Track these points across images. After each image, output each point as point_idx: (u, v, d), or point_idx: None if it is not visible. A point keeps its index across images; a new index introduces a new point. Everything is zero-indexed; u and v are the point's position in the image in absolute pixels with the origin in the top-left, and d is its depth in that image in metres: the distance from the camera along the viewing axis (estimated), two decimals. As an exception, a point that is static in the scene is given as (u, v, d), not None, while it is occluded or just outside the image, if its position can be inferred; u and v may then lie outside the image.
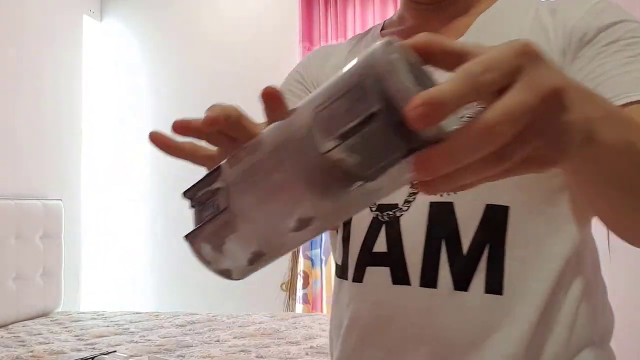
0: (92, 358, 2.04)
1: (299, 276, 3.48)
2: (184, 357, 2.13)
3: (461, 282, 0.66)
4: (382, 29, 0.85)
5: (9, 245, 2.90)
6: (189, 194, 0.41)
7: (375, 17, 3.55)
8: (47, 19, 3.45)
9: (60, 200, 3.32)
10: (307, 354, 2.15)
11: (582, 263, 0.69)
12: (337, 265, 0.80)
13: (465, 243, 0.67)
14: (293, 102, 0.47)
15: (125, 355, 2.05)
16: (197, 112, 0.42)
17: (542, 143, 0.33)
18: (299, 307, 3.49)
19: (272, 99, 0.37)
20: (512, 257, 0.66)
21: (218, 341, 2.40)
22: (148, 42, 3.94)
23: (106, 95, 3.96)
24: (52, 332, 2.63)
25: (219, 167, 0.40)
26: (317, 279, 3.48)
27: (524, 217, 0.66)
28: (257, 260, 0.40)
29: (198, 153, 0.47)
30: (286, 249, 0.40)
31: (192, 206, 0.41)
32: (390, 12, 3.49)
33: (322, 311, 3.45)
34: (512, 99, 0.30)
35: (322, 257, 3.47)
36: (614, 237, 0.68)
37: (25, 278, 2.99)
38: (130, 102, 3.92)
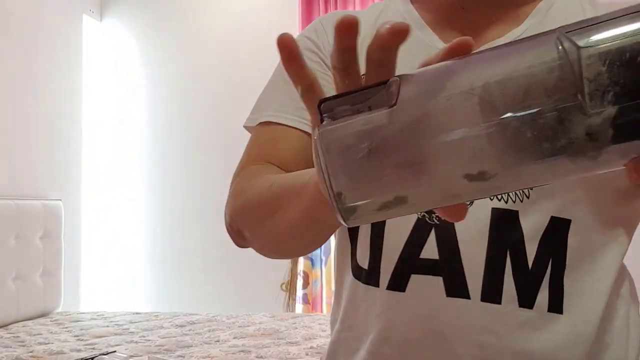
0: (92, 358, 2.03)
1: (299, 276, 3.48)
2: (183, 357, 2.12)
3: (526, 299, 0.62)
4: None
5: (8, 245, 2.89)
6: (327, 105, 0.33)
7: (375, 17, 3.54)
8: (46, 19, 3.44)
9: (60, 200, 3.32)
10: (307, 354, 2.15)
11: (623, 267, 0.69)
12: (359, 268, 0.69)
13: (530, 256, 0.62)
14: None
15: (125, 356, 2.04)
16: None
17: None
18: (299, 307, 3.49)
19: (466, 48, 0.34)
20: (569, 275, 0.63)
21: (218, 341, 2.39)
22: (148, 42, 3.94)
23: (106, 95, 3.96)
24: (51, 332, 2.63)
25: (385, 82, 0.32)
26: (317, 279, 3.48)
27: (583, 233, 0.63)
28: (391, 208, 0.31)
29: (316, 87, 0.38)
30: (431, 199, 0.32)
31: (322, 120, 0.32)
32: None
33: (322, 311, 3.45)
34: None
35: (322, 257, 3.47)
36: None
37: (25, 278, 2.98)
38: (130, 102, 3.92)
